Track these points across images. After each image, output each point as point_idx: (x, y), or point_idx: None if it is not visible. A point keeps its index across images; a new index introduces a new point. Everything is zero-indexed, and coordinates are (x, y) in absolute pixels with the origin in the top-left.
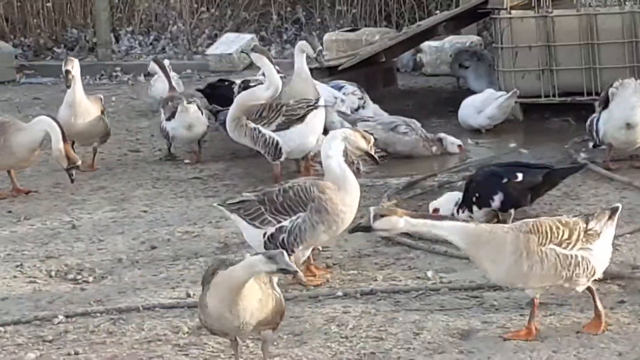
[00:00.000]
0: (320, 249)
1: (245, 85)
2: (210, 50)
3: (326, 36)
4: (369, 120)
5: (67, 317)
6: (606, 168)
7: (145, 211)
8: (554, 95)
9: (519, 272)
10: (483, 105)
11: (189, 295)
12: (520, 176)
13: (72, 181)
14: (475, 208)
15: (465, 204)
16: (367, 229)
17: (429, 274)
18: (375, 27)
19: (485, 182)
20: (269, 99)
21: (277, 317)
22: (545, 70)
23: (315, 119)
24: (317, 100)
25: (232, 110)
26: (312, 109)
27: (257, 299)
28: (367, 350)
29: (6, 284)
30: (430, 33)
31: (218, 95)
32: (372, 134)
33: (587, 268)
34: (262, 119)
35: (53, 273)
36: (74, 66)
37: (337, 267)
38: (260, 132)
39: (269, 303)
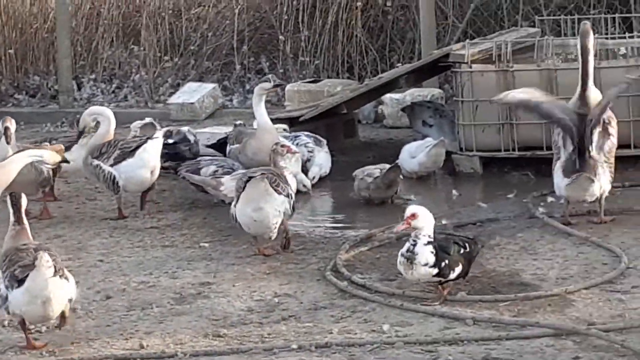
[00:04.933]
0: None
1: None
2: (172, 99)
3: (288, 87)
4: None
5: None
6: (565, 223)
7: (101, 260)
8: (513, 150)
9: None
10: (417, 151)
11: (142, 347)
12: None
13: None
14: None
15: None
16: None
17: (385, 327)
18: (337, 79)
19: None
20: (109, 135)
21: None
22: (506, 125)
23: (145, 153)
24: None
25: (85, 152)
26: (143, 143)
27: None
28: None
29: None
30: (391, 85)
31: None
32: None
33: None
34: (102, 155)
35: (6, 322)
36: (12, 123)
37: (293, 319)
38: (101, 168)
39: None
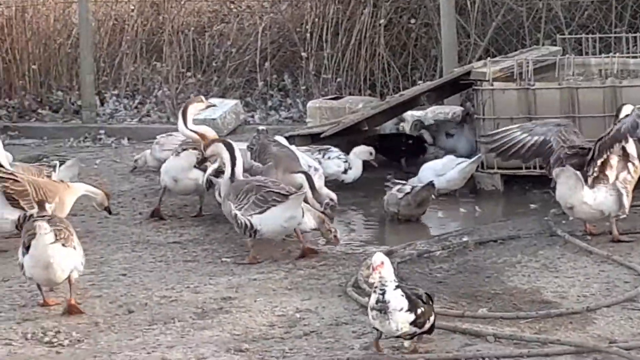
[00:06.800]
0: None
1: None
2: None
3: (310, 103)
4: None
5: None
6: (589, 233)
7: (123, 275)
8: (535, 167)
9: None
10: (444, 169)
11: None
12: None
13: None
14: None
15: None
16: None
17: (406, 343)
18: (359, 96)
19: None
20: None
21: None
22: None
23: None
24: None
25: None
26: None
27: None
28: None
29: None
30: (412, 103)
31: None
32: None
33: None
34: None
35: (29, 336)
36: None
37: (314, 334)
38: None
39: None
